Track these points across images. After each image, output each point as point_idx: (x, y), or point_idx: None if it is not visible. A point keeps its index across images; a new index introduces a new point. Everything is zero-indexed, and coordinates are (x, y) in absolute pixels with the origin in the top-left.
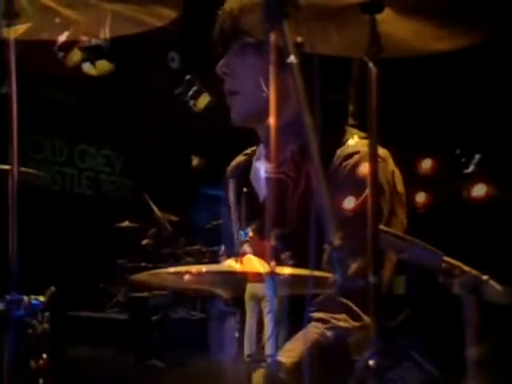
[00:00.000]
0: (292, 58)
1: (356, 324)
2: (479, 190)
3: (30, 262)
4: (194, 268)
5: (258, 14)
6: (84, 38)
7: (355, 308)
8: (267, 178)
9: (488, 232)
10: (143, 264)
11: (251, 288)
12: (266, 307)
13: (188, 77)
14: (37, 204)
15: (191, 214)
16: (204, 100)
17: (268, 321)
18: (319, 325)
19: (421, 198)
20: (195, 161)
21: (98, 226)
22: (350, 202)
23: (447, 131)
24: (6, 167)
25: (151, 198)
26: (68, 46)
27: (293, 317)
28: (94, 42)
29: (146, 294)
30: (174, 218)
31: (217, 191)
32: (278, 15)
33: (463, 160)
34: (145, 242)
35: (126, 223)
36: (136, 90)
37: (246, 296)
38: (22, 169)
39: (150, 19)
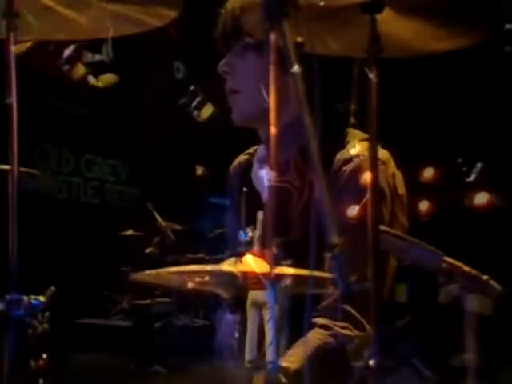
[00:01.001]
0: (296, 68)
1: (359, 333)
2: (481, 199)
3: (36, 269)
4: (195, 267)
5: (258, 13)
6: (88, 54)
7: (359, 317)
8: (270, 187)
9: (490, 240)
10: (147, 272)
11: (252, 295)
12: (267, 314)
13: (192, 87)
14: (44, 212)
15: (195, 222)
16: (207, 110)
17: (269, 328)
18: (322, 331)
19: (424, 206)
20: (199, 170)
21: (102, 235)
22: (353, 210)
23: (449, 140)
24: (6, 167)
25: (155, 207)
26: (73, 59)
27: (293, 321)
28: (97, 57)
29: (148, 301)
30: (177, 227)
31: (221, 200)
32: (278, 15)
33: (465, 169)
34: (148, 250)
35: (130, 232)
36: (141, 100)
37: (248, 303)
38: (22, 169)
39: (150, 19)
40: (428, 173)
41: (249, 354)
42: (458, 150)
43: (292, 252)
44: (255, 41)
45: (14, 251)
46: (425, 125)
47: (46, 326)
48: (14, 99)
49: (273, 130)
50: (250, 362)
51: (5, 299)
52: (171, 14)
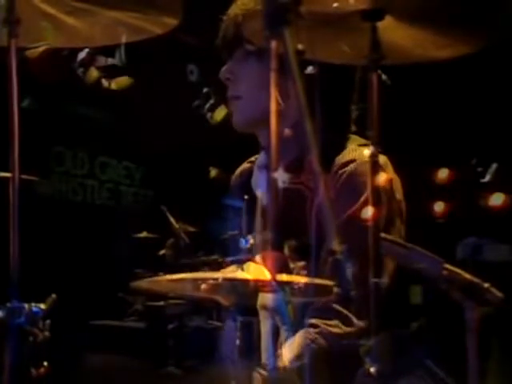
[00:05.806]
0: (310, 69)
1: (348, 329)
2: (497, 199)
3: (51, 271)
4: (193, 275)
5: (260, 20)
6: (101, 58)
7: (347, 313)
8: (284, 189)
9: (506, 241)
10: (161, 274)
11: (262, 298)
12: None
13: (205, 89)
14: (60, 215)
15: (209, 224)
16: (221, 113)
17: (283, 331)
18: (310, 330)
19: (439, 207)
20: (213, 172)
21: (117, 237)
22: (367, 212)
23: (464, 141)
24: (7, 175)
25: (170, 209)
26: (86, 63)
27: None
28: (110, 61)
29: (162, 302)
30: (191, 229)
31: (235, 202)
32: (279, 23)
33: (480, 169)
34: (162, 252)
35: (144, 234)
36: (154, 103)
37: (258, 306)
38: (23, 176)
39: (151, 27)
40: (443, 174)
41: (264, 355)
42: (472, 151)
43: (308, 254)
44: (256, 47)
45: (16, 258)
46: (439, 126)
47: (46, 333)
48: (15, 105)
49: (272, 126)
50: (264, 363)
51: (5, 307)
52: (172, 21)
